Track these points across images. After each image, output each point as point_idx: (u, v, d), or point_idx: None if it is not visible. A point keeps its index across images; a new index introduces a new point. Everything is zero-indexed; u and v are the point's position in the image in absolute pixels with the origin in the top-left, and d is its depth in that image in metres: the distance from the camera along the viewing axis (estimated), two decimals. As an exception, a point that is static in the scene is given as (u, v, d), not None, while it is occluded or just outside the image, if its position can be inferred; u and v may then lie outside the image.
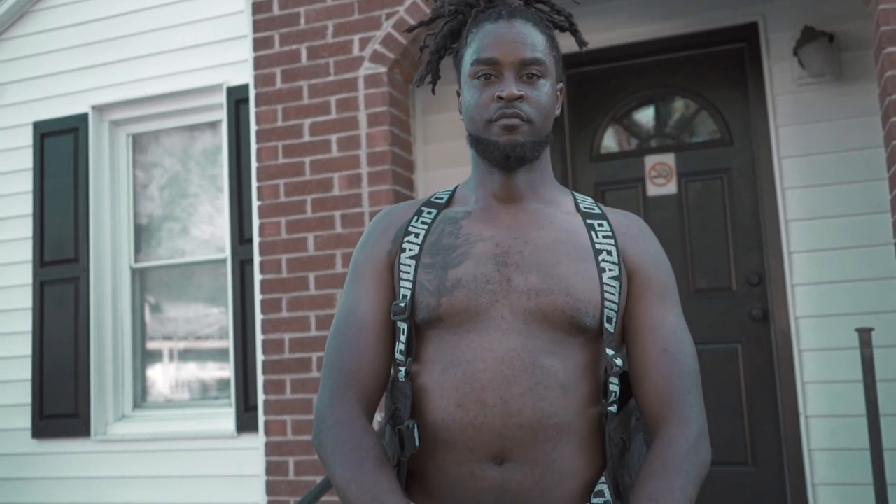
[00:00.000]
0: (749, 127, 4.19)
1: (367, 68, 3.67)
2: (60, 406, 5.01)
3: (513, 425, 1.23)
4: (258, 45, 3.88)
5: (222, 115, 4.86)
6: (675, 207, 4.31)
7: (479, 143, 1.35)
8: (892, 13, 3.04)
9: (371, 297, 1.37)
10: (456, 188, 1.47)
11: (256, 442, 4.18)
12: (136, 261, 5.15)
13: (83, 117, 5.15)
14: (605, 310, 1.29)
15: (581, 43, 1.50)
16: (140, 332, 5.13)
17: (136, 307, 5.13)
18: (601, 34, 4.38)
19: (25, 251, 5.22)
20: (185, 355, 5.07)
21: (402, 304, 1.33)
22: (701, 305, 4.19)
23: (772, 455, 3.99)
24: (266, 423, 3.66)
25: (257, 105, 3.81)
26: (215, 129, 5.03)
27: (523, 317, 1.27)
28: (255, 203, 3.77)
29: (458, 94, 1.45)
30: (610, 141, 4.50)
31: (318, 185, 3.68)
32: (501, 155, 1.32)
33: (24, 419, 5.10)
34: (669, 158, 4.33)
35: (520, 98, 1.31)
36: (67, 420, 4.98)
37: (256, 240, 3.73)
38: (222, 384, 4.93)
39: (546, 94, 1.34)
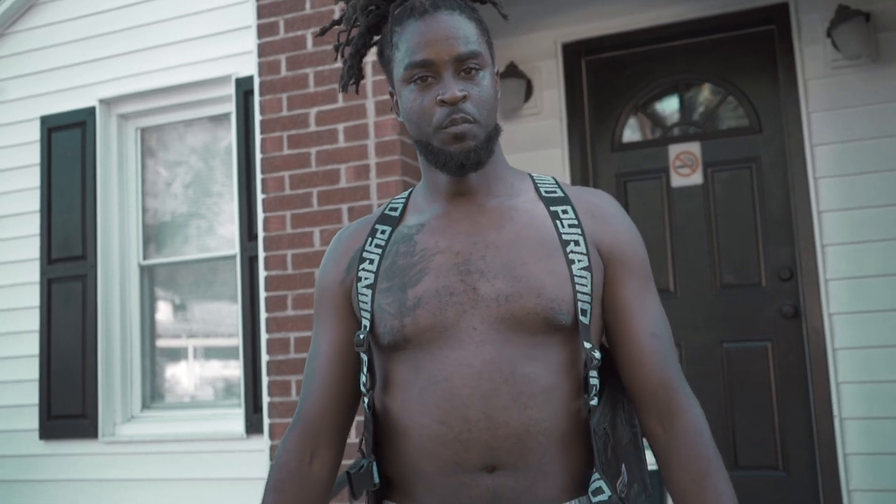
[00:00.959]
0: (779, 113, 4.02)
1: (374, 54, 3.49)
2: (68, 407, 4.93)
3: (500, 436, 1.20)
4: (262, 31, 3.72)
5: (231, 107, 4.74)
6: (701, 199, 4.15)
7: (429, 152, 1.29)
8: (934, -14, 2.83)
9: (328, 333, 1.36)
10: (411, 193, 1.42)
11: (264, 444, 4.03)
12: (145, 258, 5.05)
13: (90, 111, 5.07)
14: (579, 303, 1.24)
15: (503, 16, 1.40)
16: (149, 331, 5.03)
17: (144, 305, 5.04)
18: (621, 18, 4.22)
19: (33, 248, 5.15)
20: (196, 355, 4.96)
21: (362, 337, 1.30)
22: (728, 302, 4.03)
23: (804, 459, 3.84)
24: (270, 425, 3.50)
25: (262, 94, 3.66)
26: (226, 122, 4.92)
27: (496, 325, 1.23)
28: (260, 196, 3.61)
29: (392, 96, 1.37)
30: (632, 130, 4.34)
31: (324, 177, 3.52)
32: (456, 165, 1.27)
33: (32, 420, 5.03)
34: (695, 147, 4.17)
35: (463, 99, 1.25)
36: (75, 421, 4.90)
37: (261, 234, 3.57)
38: (233, 384, 4.83)
39: (487, 87, 1.29)
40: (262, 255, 3.60)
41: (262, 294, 3.59)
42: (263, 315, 3.57)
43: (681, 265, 4.14)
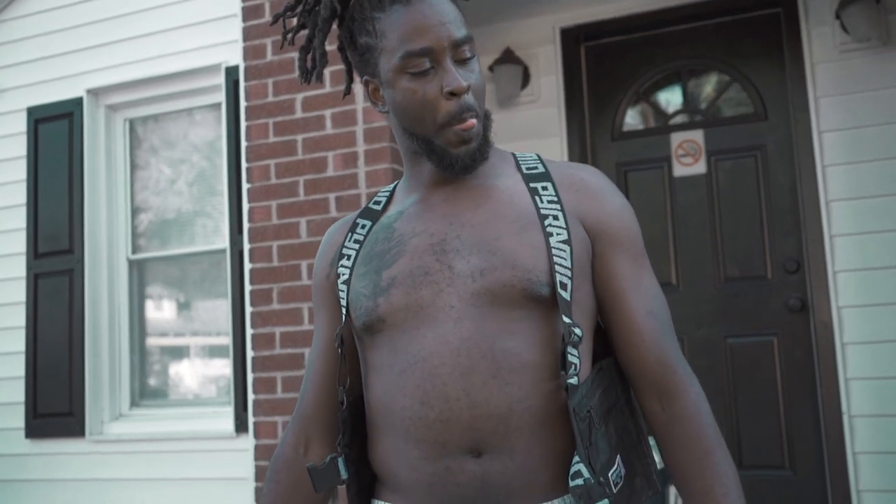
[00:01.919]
0: (786, 99, 3.91)
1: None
2: (55, 405, 4.83)
3: (481, 416, 1.17)
4: (247, 14, 3.59)
5: (221, 97, 4.63)
6: (704, 188, 4.04)
7: (430, 151, 1.26)
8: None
9: (320, 327, 1.39)
10: (396, 186, 1.41)
11: (249, 444, 3.92)
12: (134, 252, 4.95)
13: (78, 102, 4.97)
14: (557, 275, 1.20)
15: None
16: (138, 328, 4.93)
17: (133, 301, 4.94)
18: (622, 2, 4.11)
19: (19, 243, 5.06)
20: (185, 351, 4.86)
21: (337, 332, 1.32)
22: (733, 295, 3.92)
23: (812, 458, 3.75)
24: (256, 424, 3.37)
25: (247, 79, 3.53)
26: (217, 113, 4.81)
27: (473, 301, 1.20)
28: (245, 186, 3.48)
29: (368, 86, 1.31)
30: (633, 118, 4.23)
31: (311, 165, 3.39)
32: (461, 167, 1.25)
33: (18, 418, 4.93)
34: (698, 136, 4.06)
35: (467, 89, 1.22)
36: (62, 419, 4.80)
37: (246, 226, 3.45)
38: (223, 382, 4.73)
39: (480, 76, 1.26)
40: (246, 246, 3.47)
41: (247, 287, 3.47)
42: (248, 309, 3.45)
43: (683, 257, 4.03)
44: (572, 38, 4.26)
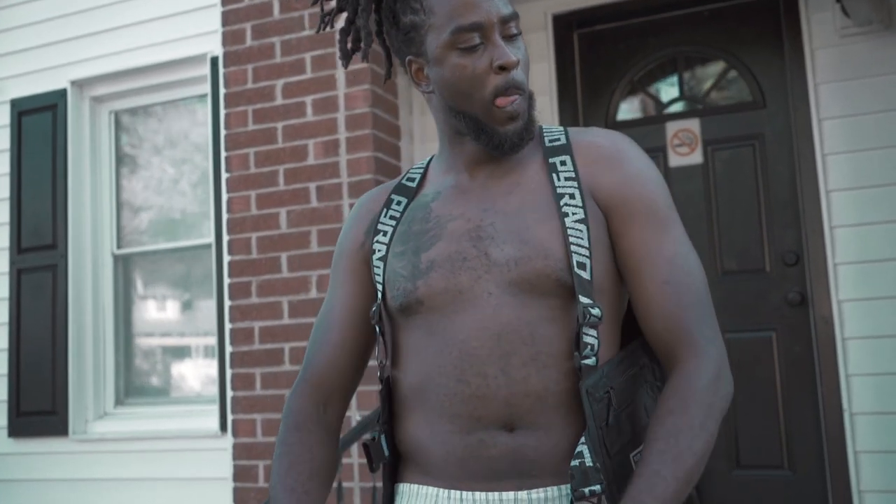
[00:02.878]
0: (784, 86, 3.81)
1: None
2: (38, 403, 4.76)
3: (519, 393, 1.19)
4: (226, -2, 3.49)
5: (207, 87, 4.54)
6: (701, 179, 3.94)
7: (478, 129, 1.27)
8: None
9: (344, 294, 1.38)
10: (430, 162, 1.42)
11: (227, 443, 3.82)
12: (119, 247, 4.87)
13: (62, 93, 4.91)
14: (574, 256, 1.21)
15: None
16: (123, 324, 4.85)
17: (118, 297, 4.87)
18: (615, -14, 3.99)
19: (3, 237, 5.00)
20: (171, 348, 4.79)
21: (374, 310, 1.32)
22: (730, 289, 3.83)
23: (812, 458, 3.67)
24: (234, 422, 3.27)
25: (226, 66, 3.43)
26: (204, 104, 4.72)
27: (510, 289, 1.22)
28: (224, 175, 3.38)
29: (412, 67, 1.31)
30: (627, 107, 4.14)
31: (291, 154, 3.29)
32: (509, 147, 1.26)
33: (1, 417, 4.87)
34: (694, 125, 3.97)
35: (516, 64, 1.23)
36: (45, 418, 4.73)
37: (224, 216, 3.34)
38: (209, 379, 4.64)
39: (527, 53, 1.28)
40: (225, 238, 3.36)
41: (226, 280, 3.36)
42: (227, 303, 3.34)
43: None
44: (565, 25, 4.16)
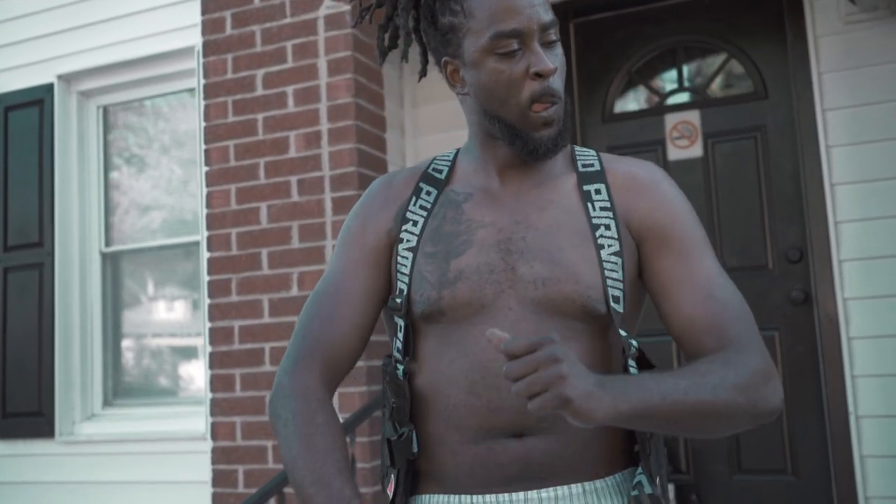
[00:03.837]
0: (787, 76, 3.74)
1: (328, 6, 3.17)
2: (23, 404, 4.68)
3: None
4: (206, -15, 3.38)
5: (195, 81, 4.45)
6: (701, 173, 3.86)
7: (512, 134, 1.27)
8: None
9: (358, 270, 1.33)
10: (456, 156, 1.40)
11: (207, 446, 3.73)
12: (107, 244, 4.79)
13: (48, 88, 4.84)
14: (610, 290, 1.23)
15: None
16: (111, 324, 4.77)
17: (106, 296, 4.78)
18: (612, -27, 3.90)
19: (-10, 235, 4.91)
20: (161, 348, 4.71)
21: (399, 301, 1.29)
22: None
23: (816, 462, 3.61)
24: (214, 425, 3.16)
25: (205, 55, 3.33)
26: (194, 98, 4.64)
27: (532, 307, 1.23)
28: (203, 169, 3.27)
29: (448, 69, 1.32)
30: (625, 99, 4.05)
31: (272, 146, 3.18)
32: (544, 152, 1.27)
33: (-13, 418, 4.78)
34: (694, 116, 3.89)
35: (553, 71, 1.24)
36: (31, 419, 4.65)
37: (203, 211, 3.23)
38: (199, 380, 4.55)
39: (563, 60, 1.29)
40: (204, 234, 3.25)
41: (204, 278, 3.25)
42: (206, 301, 3.23)
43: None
44: (560, 14, 4.03)
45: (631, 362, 1.23)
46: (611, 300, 1.23)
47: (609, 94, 4.04)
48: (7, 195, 4.82)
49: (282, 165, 3.17)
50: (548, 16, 1.25)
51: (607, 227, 1.27)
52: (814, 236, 3.59)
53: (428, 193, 1.35)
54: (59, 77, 4.74)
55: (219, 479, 3.22)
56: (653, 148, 3.93)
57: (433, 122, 3.95)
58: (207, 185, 3.30)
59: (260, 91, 3.25)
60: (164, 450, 4.34)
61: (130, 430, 4.49)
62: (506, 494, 1.22)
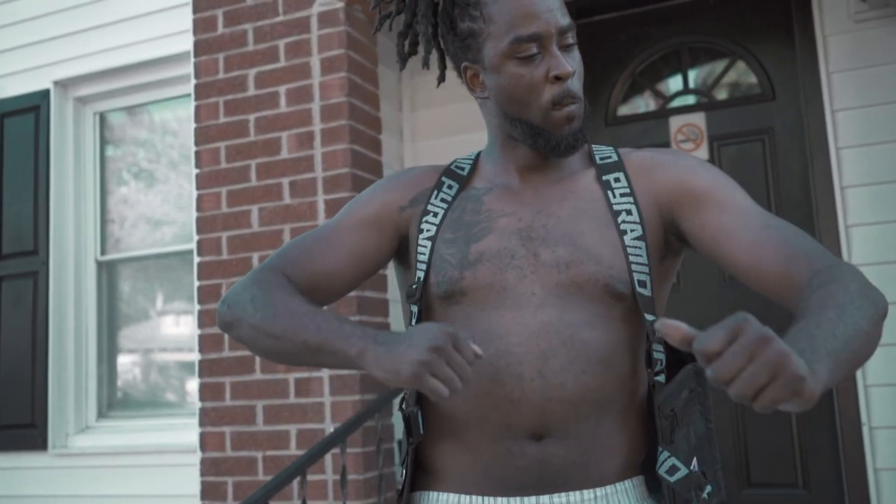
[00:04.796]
0: (795, 77, 3.70)
1: (321, 4, 3.10)
2: (16, 416, 4.62)
3: (553, 399, 1.20)
4: (198, -17, 3.32)
5: (191, 87, 4.40)
6: None
7: (534, 134, 1.29)
8: None
9: (353, 228, 1.35)
10: (478, 157, 1.43)
11: (195, 458, 3.65)
12: (103, 253, 4.73)
13: (44, 94, 4.82)
14: (635, 274, 1.25)
15: None
16: (106, 334, 4.71)
17: (102, 305, 4.72)
18: (615, -27, 3.85)
19: (-16, 244, 4.87)
20: (158, 359, 4.64)
21: (415, 287, 1.31)
22: (737, 294, 3.67)
23: (828, 475, 3.55)
24: (202, 435, 3.07)
25: (196, 55, 3.26)
26: (189, 103, 4.60)
27: (555, 290, 1.25)
28: (194, 171, 3.19)
29: (468, 74, 1.34)
30: (628, 101, 4.01)
31: (263, 147, 3.11)
32: (566, 148, 1.29)
33: (-21, 430, 4.73)
34: (699, 119, 3.84)
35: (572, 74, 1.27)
36: (23, 431, 4.59)
37: (194, 214, 3.15)
38: (196, 392, 4.48)
39: (581, 63, 1.31)
40: (195, 237, 3.17)
41: (195, 283, 3.17)
42: (196, 307, 3.15)
43: (685, 254, 3.73)
44: (562, 16, 3.99)
45: (657, 346, 1.24)
46: (636, 284, 1.24)
47: (612, 97, 4.01)
48: (2, 202, 4.78)
49: (274, 167, 3.10)
50: (566, 20, 1.27)
51: (629, 213, 1.28)
52: (824, 240, 3.53)
53: (450, 187, 1.38)
54: (56, 83, 4.71)
55: (208, 491, 3.12)
56: (657, 151, 3.87)
57: (432, 126, 3.90)
58: (198, 188, 3.23)
59: (252, 91, 3.18)
60: (161, 462, 4.27)
61: (125, 442, 4.43)
62: (516, 499, 1.22)
